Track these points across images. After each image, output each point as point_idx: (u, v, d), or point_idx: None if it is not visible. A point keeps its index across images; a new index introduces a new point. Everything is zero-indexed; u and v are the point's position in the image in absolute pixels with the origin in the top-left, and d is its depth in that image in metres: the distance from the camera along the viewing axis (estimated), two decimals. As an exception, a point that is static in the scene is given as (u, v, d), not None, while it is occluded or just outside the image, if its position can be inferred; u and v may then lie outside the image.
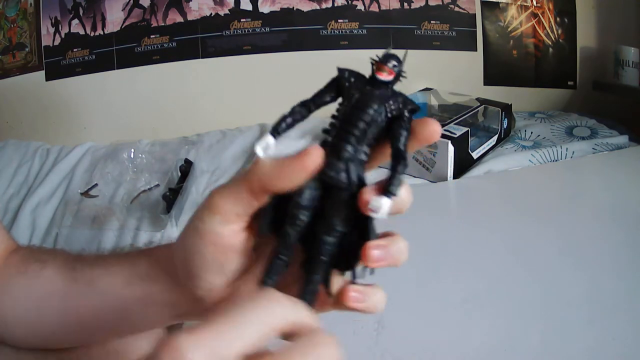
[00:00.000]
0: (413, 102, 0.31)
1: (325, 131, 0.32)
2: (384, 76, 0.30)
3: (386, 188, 0.29)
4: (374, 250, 0.29)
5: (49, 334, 0.43)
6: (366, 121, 0.29)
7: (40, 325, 0.42)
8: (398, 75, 0.30)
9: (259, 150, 0.31)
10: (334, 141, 0.31)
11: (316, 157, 0.29)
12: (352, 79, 0.31)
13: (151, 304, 0.39)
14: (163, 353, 0.22)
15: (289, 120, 0.32)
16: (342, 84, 0.31)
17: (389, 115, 0.30)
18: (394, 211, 0.29)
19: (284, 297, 0.26)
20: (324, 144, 0.31)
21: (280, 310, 0.25)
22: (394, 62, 0.30)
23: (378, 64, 0.30)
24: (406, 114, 0.30)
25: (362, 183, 0.30)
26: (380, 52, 0.30)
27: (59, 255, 0.44)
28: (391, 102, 0.30)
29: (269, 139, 0.31)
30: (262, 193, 0.30)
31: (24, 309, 0.42)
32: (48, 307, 0.42)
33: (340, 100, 0.31)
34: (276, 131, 0.32)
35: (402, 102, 0.30)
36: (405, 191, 0.30)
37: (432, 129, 0.30)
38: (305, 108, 0.32)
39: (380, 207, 0.29)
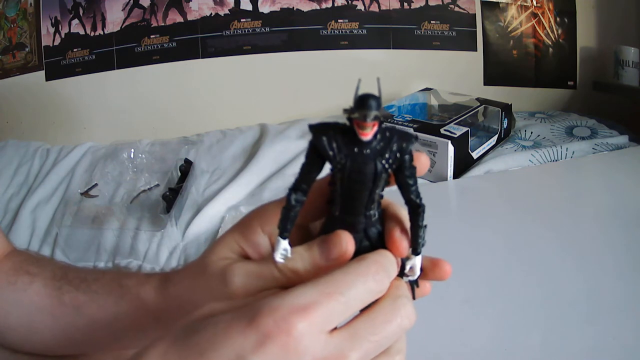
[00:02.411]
0: (408, 136, 0.28)
1: (329, 202, 0.30)
2: (369, 134, 0.26)
3: (414, 247, 0.30)
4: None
5: (42, 344, 0.44)
6: (369, 189, 0.28)
7: (32, 336, 0.43)
8: (381, 123, 0.27)
9: (279, 259, 0.29)
10: (342, 217, 0.29)
11: (350, 247, 0.29)
12: (334, 144, 0.27)
13: (142, 326, 0.39)
14: (275, 335, 0.24)
15: (292, 214, 0.29)
16: (323, 153, 0.27)
17: (390, 170, 0.28)
18: None
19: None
20: (333, 220, 0.30)
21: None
22: (374, 112, 0.26)
23: (358, 122, 0.26)
24: (406, 159, 0.28)
25: (381, 236, 0.30)
26: (350, 100, 0.27)
27: (47, 268, 0.45)
28: (387, 155, 0.27)
29: (284, 244, 0.29)
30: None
31: (15, 317, 0.43)
32: (38, 321, 0.42)
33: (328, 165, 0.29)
34: (285, 231, 0.29)
35: (398, 149, 0.27)
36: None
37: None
38: (300, 193, 0.29)
39: (415, 269, 0.30)
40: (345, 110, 0.26)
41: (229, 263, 0.32)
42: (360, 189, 0.28)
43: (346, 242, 0.28)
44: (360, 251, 0.29)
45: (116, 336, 0.41)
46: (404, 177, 0.28)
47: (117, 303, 0.40)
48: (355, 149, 0.27)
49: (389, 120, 0.27)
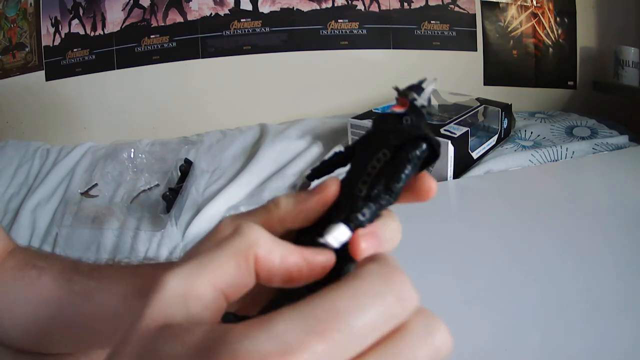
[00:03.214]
0: (426, 136, 0.25)
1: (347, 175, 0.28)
2: (398, 109, 0.27)
3: (348, 215, 0.24)
4: (362, 243, 0.23)
5: (47, 339, 0.43)
6: (371, 161, 0.26)
7: (37, 331, 0.43)
8: (413, 107, 0.26)
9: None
10: (348, 182, 0.27)
11: (334, 189, 0.26)
12: (386, 121, 0.27)
13: None
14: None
15: (329, 161, 0.29)
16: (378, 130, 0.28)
17: (391, 147, 0.26)
18: (366, 248, 0.23)
19: None
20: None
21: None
22: (414, 94, 0.26)
23: (398, 98, 0.27)
24: (412, 146, 0.26)
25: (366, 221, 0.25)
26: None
27: (56, 262, 0.45)
28: (391, 137, 0.26)
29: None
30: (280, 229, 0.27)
31: (21, 313, 0.43)
32: (45, 314, 0.42)
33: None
34: (314, 176, 0.30)
35: (407, 132, 0.26)
36: (390, 230, 0.25)
37: (428, 187, 0.26)
38: (344, 152, 0.29)
39: (330, 234, 0.24)
40: (395, 88, 0.28)
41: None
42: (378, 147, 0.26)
43: (332, 184, 0.26)
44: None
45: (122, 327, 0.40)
46: (399, 158, 0.25)
47: (132, 284, 0.39)
48: (383, 124, 0.27)
49: (425, 109, 0.27)
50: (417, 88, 0.27)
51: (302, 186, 0.29)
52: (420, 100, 0.27)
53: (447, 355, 0.20)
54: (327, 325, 0.18)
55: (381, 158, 0.26)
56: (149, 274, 0.40)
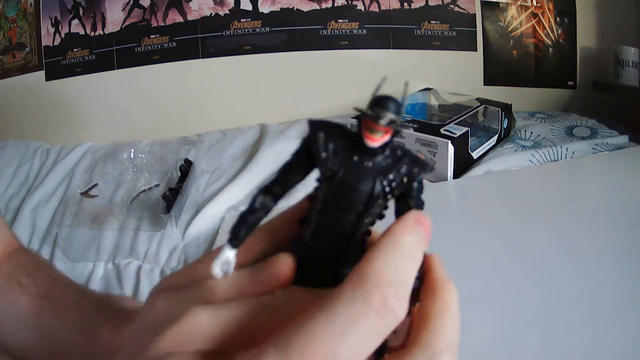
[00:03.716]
0: (423, 163, 0.23)
1: (302, 222, 0.24)
2: (377, 141, 0.21)
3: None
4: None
5: (27, 353, 0.45)
6: (357, 212, 0.22)
7: (20, 345, 0.44)
8: (396, 133, 0.22)
9: (218, 272, 0.23)
10: (313, 242, 0.23)
11: (285, 270, 0.22)
12: (330, 145, 0.22)
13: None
14: None
15: (251, 219, 0.23)
16: (314, 152, 0.22)
17: (389, 195, 0.22)
18: None
19: None
20: (301, 245, 0.23)
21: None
22: (391, 116, 0.21)
23: (368, 123, 0.21)
24: (415, 187, 0.23)
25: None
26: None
27: (37, 280, 0.46)
28: (391, 176, 0.22)
29: (229, 254, 0.23)
30: None
31: (8, 326, 0.44)
32: (23, 335, 0.44)
33: (317, 173, 0.23)
34: (237, 238, 0.23)
35: (407, 174, 0.22)
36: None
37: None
38: (270, 197, 0.23)
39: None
40: (357, 108, 0.22)
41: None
42: (347, 209, 0.22)
43: (283, 263, 0.22)
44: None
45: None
46: (407, 207, 0.23)
47: (85, 337, 0.41)
48: (355, 158, 0.22)
49: (400, 134, 0.22)
50: (393, 104, 0.21)
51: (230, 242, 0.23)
52: (399, 120, 0.21)
53: None
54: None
55: (372, 212, 0.22)
56: (101, 337, 0.41)
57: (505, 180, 1.01)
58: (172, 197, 0.98)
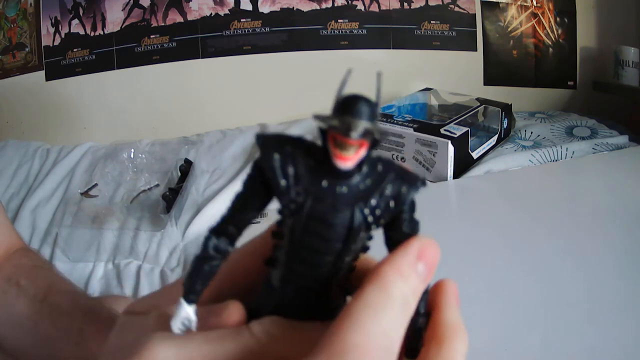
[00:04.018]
0: (412, 177, 0.18)
1: (268, 263, 0.20)
2: (350, 159, 0.16)
3: (411, 348, 0.19)
4: None
5: (25, 354, 0.45)
6: (334, 252, 0.18)
7: (21, 348, 0.45)
8: (375, 143, 0.17)
9: (177, 331, 0.19)
10: (284, 289, 0.19)
11: (234, 317, 0.20)
12: (290, 169, 0.17)
13: None
14: None
15: (206, 269, 0.19)
16: (271, 179, 0.17)
17: (373, 226, 0.18)
18: None
19: None
20: (269, 291, 0.19)
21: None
22: (363, 123, 0.16)
23: (336, 136, 0.16)
24: (405, 210, 0.18)
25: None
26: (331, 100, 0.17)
27: (34, 283, 0.46)
28: (373, 201, 0.17)
29: (187, 311, 0.19)
30: None
31: (7, 327, 0.45)
32: (21, 337, 0.44)
33: (277, 203, 0.18)
34: (193, 292, 0.19)
35: (394, 195, 0.17)
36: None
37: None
38: (225, 238, 0.19)
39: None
40: (318, 117, 0.16)
41: None
42: (321, 250, 0.17)
43: (229, 313, 0.19)
44: None
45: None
46: (399, 234, 0.18)
47: (75, 347, 0.41)
48: (324, 183, 0.17)
49: (383, 141, 0.17)
50: (365, 107, 0.16)
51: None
52: (376, 127, 0.16)
53: None
54: None
55: (350, 249, 0.18)
56: (91, 345, 0.41)
57: (505, 180, 1.01)
58: (172, 197, 0.98)
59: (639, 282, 0.65)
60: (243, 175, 1.10)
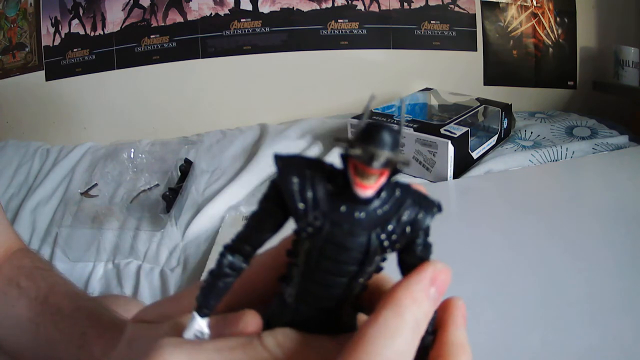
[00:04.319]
0: (429, 202, 0.19)
1: (282, 279, 0.20)
2: (371, 188, 0.16)
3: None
4: None
5: (26, 356, 0.45)
6: (349, 274, 0.18)
7: (21, 350, 0.44)
8: (395, 172, 0.17)
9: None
10: (297, 306, 0.19)
11: (251, 327, 0.20)
12: (309, 193, 0.17)
13: None
14: None
15: (221, 285, 0.20)
16: (289, 202, 0.18)
17: (389, 250, 0.18)
18: None
19: None
20: (283, 307, 0.20)
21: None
22: (386, 153, 0.16)
23: (358, 165, 0.16)
24: (421, 236, 0.19)
25: None
26: (355, 126, 0.17)
27: (35, 285, 0.46)
28: (390, 227, 0.18)
29: (200, 324, 0.20)
30: None
31: (6, 328, 0.45)
32: (21, 339, 0.44)
33: (294, 223, 0.18)
34: (206, 307, 0.20)
35: (410, 221, 0.18)
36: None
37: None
38: (239, 256, 0.19)
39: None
40: (340, 140, 0.16)
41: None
42: (336, 273, 0.18)
43: (246, 322, 0.20)
44: None
45: None
46: (413, 258, 0.19)
47: (77, 352, 0.41)
48: (343, 208, 0.17)
49: (403, 169, 0.17)
50: (390, 137, 0.16)
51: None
52: (398, 156, 0.16)
53: None
54: None
55: (366, 272, 0.19)
56: (93, 350, 0.41)
57: (505, 180, 1.01)
58: (172, 197, 0.98)
59: (639, 282, 0.65)
60: (243, 175, 1.10)
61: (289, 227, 0.19)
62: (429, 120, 1.23)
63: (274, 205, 0.18)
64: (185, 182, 1.05)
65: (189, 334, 0.20)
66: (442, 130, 1.03)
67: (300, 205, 0.17)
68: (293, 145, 1.20)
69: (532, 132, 1.20)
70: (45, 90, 1.42)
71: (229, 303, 0.21)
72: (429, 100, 1.33)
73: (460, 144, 1.02)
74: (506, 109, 1.19)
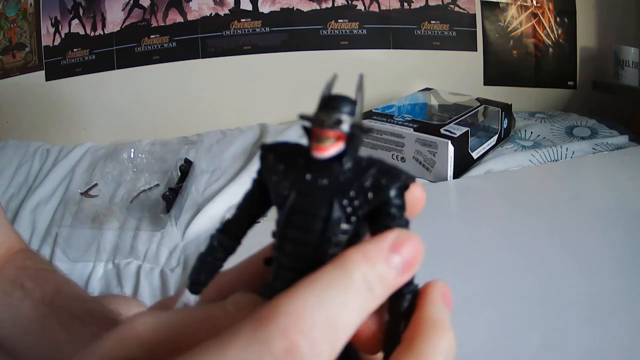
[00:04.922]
0: (395, 171, 0.18)
1: (267, 263, 0.20)
2: (326, 149, 0.17)
3: (386, 347, 0.19)
4: None
5: (30, 357, 0.45)
6: (313, 244, 0.18)
7: (23, 350, 0.44)
8: (353, 138, 0.18)
9: None
10: (274, 285, 0.19)
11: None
12: (281, 166, 0.19)
13: None
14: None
15: (210, 261, 0.21)
16: (267, 178, 0.19)
17: (353, 217, 0.18)
18: None
19: None
20: (266, 290, 0.20)
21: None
22: (337, 115, 0.17)
23: (315, 131, 0.17)
24: (391, 201, 0.18)
25: None
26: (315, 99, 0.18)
27: (40, 286, 0.45)
28: (352, 193, 0.18)
29: (190, 297, 0.21)
30: None
31: (10, 329, 0.44)
32: (26, 340, 0.43)
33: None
34: (198, 283, 0.21)
35: (373, 186, 0.18)
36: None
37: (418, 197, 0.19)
38: (229, 236, 0.20)
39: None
40: (302, 116, 0.18)
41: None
42: (302, 241, 0.18)
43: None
44: None
45: None
46: (383, 229, 0.18)
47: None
48: (308, 176, 0.18)
49: (363, 136, 0.18)
50: (341, 103, 0.17)
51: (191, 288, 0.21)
52: (357, 121, 0.17)
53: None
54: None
55: (335, 240, 0.18)
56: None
57: (505, 180, 1.01)
58: (172, 197, 0.98)
59: (639, 282, 0.65)
60: (243, 175, 1.10)
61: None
62: (429, 120, 1.23)
63: (257, 186, 0.20)
64: (185, 182, 1.05)
65: (177, 307, 0.21)
66: (442, 130, 1.03)
67: (274, 178, 0.19)
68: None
69: (532, 132, 1.20)
70: (45, 90, 1.42)
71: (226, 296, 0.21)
72: (429, 100, 1.33)
73: (460, 144, 1.02)
74: (506, 109, 1.19)
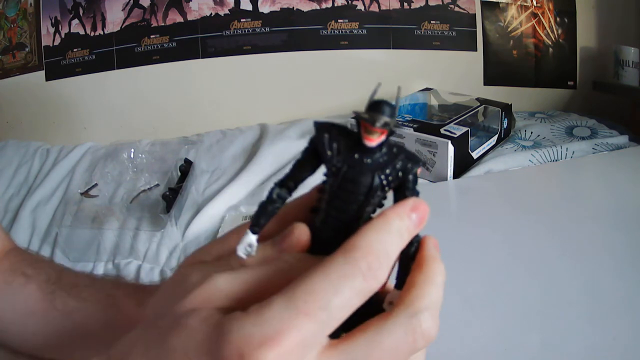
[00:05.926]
0: (416, 158, 0.26)
1: (314, 211, 0.27)
2: (374, 141, 0.24)
3: (399, 280, 0.27)
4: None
5: (34, 346, 0.44)
6: (359, 202, 0.25)
7: (26, 337, 0.44)
8: (391, 133, 0.25)
9: (242, 255, 0.26)
10: (322, 228, 0.26)
11: (303, 237, 0.26)
12: (334, 145, 0.25)
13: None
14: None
15: (270, 209, 0.26)
16: (321, 151, 0.25)
17: (387, 188, 0.25)
18: None
19: None
20: (313, 231, 0.27)
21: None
22: (385, 118, 0.24)
23: (365, 125, 0.24)
24: (410, 179, 0.26)
25: None
26: (365, 100, 0.24)
27: (43, 270, 0.46)
28: (388, 171, 0.25)
29: (251, 238, 0.26)
30: None
31: (10, 318, 0.44)
32: (31, 324, 0.43)
33: (324, 169, 0.26)
34: (257, 225, 0.26)
35: (402, 169, 0.25)
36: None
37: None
38: (285, 189, 0.27)
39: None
40: (356, 112, 0.24)
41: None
42: (350, 200, 0.25)
43: (299, 232, 0.26)
44: None
45: (106, 344, 0.41)
46: (403, 196, 0.26)
47: (105, 312, 0.41)
48: (356, 155, 0.25)
49: (396, 132, 0.26)
50: (387, 108, 0.24)
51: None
52: (395, 121, 0.24)
53: (428, 342, 0.25)
54: (312, 305, 0.21)
55: (372, 202, 0.26)
56: (120, 307, 0.41)
57: (505, 180, 1.01)
58: (172, 197, 0.98)
59: (639, 282, 0.65)
60: (243, 175, 1.10)
61: (318, 178, 0.27)
62: (429, 120, 1.23)
63: (310, 153, 0.26)
64: (185, 182, 1.05)
65: (241, 247, 0.26)
66: (442, 130, 1.03)
67: (329, 152, 0.25)
68: (293, 145, 1.21)
69: (532, 132, 1.21)
70: (45, 90, 1.42)
71: (272, 234, 0.27)
72: (429, 100, 1.33)
73: (460, 144, 1.02)
74: (506, 109, 1.19)
